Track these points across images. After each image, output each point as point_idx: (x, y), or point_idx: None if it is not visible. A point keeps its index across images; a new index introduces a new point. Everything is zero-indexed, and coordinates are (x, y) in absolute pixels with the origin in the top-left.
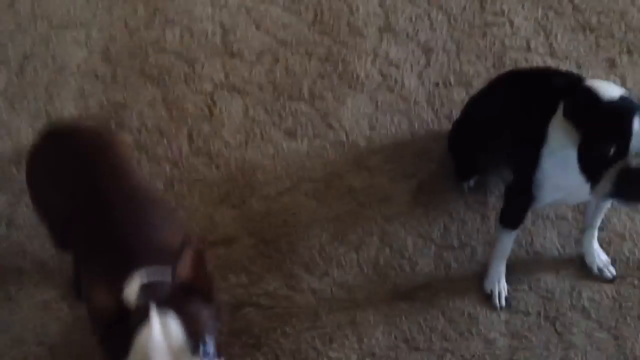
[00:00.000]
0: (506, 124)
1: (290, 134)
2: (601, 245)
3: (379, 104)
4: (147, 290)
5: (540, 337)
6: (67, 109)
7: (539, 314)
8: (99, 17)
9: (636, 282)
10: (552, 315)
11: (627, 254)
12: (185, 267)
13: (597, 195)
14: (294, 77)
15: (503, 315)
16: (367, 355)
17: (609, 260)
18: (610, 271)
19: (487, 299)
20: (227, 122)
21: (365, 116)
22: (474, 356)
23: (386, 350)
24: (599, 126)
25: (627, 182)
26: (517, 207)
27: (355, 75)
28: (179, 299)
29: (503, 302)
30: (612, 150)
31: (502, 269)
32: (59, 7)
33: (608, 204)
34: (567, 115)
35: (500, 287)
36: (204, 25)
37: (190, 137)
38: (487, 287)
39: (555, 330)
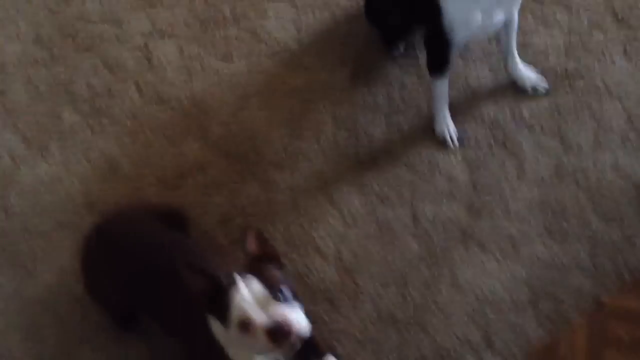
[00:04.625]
0: None
1: (227, 59)
2: (530, 66)
3: (299, 6)
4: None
5: (494, 160)
6: (21, 99)
7: (489, 142)
8: (21, 9)
9: (568, 88)
10: (501, 140)
11: (553, 66)
12: (251, 244)
13: None
14: (214, 6)
15: (459, 153)
16: (350, 222)
17: (540, 77)
18: (543, 86)
19: (442, 144)
20: (167, 66)
21: (290, 21)
22: (441, 194)
23: (366, 213)
24: None
25: None
26: (438, 54)
27: None
28: (254, 267)
29: (456, 142)
30: None
31: (447, 114)
32: None
33: (515, 26)
34: None
35: (450, 130)
36: None
37: (139, 89)
38: (439, 133)
39: (507, 151)
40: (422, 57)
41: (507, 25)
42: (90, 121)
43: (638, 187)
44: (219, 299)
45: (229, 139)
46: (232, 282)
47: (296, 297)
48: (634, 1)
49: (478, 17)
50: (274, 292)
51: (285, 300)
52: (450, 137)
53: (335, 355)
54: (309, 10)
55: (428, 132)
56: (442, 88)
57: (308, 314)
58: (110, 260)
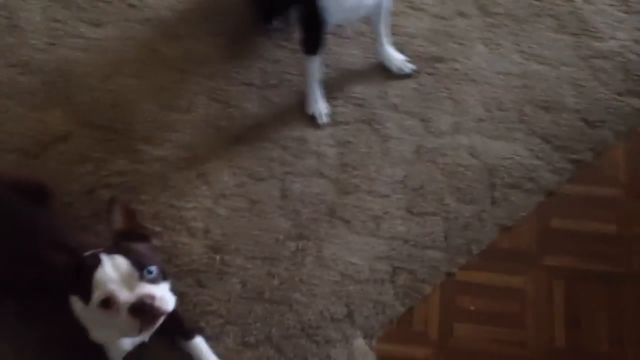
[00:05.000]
0: None
1: (97, 24)
2: (397, 48)
3: None
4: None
5: (361, 139)
6: None
7: (356, 120)
8: None
9: (431, 70)
10: (368, 118)
11: (419, 49)
12: (118, 217)
13: None
14: None
15: (328, 130)
16: (219, 197)
17: (406, 59)
18: (409, 67)
19: (312, 120)
20: (28, 27)
21: None
22: (310, 170)
23: (235, 188)
24: None
25: None
26: (312, 33)
27: None
28: (120, 242)
29: (325, 119)
30: None
31: (318, 91)
32: None
33: (386, 10)
34: None
35: (320, 107)
36: None
37: None
38: (309, 110)
39: (372, 129)
40: (296, 33)
41: (378, 7)
42: None
43: (489, 169)
44: (81, 276)
45: (95, 107)
46: (96, 259)
47: (163, 274)
48: None
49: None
50: (140, 269)
51: (151, 277)
52: (320, 114)
53: (202, 333)
54: None
55: (300, 107)
56: (315, 66)
57: (174, 291)
58: None
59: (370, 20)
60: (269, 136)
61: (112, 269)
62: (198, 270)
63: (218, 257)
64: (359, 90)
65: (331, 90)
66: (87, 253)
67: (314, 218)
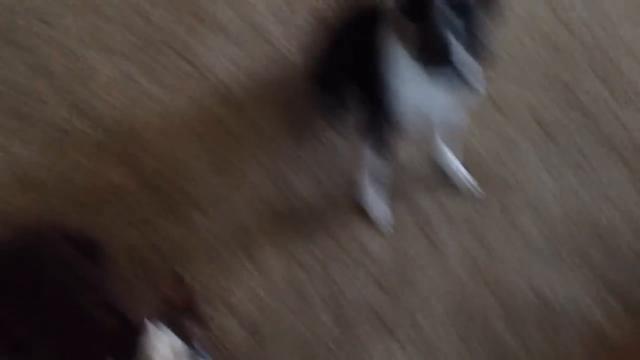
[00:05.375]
0: (349, 54)
1: (166, 88)
2: (463, 163)
3: (244, 46)
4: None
5: (419, 251)
6: None
7: (415, 229)
8: None
9: (493, 192)
10: (427, 230)
11: (482, 167)
12: (170, 288)
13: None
14: (162, 30)
15: (384, 234)
16: (267, 284)
17: (470, 176)
18: (473, 185)
19: (367, 216)
20: (100, 81)
21: (234, 61)
22: (363, 273)
23: (284, 277)
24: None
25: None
26: (378, 132)
27: (215, 19)
28: (169, 313)
29: (383, 221)
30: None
31: (372, 189)
32: None
33: (458, 124)
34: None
35: (378, 208)
36: None
37: (68, 100)
38: (363, 205)
39: (431, 242)
40: (358, 125)
41: (450, 122)
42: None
43: (546, 305)
44: (127, 343)
45: (159, 171)
46: (143, 328)
47: (206, 353)
48: (560, 116)
49: (429, 110)
50: (186, 345)
51: (195, 356)
52: (379, 218)
53: None
54: (254, 51)
55: (356, 202)
56: (373, 162)
57: None
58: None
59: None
60: (323, 229)
61: (164, 344)
62: (238, 354)
63: (259, 346)
64: (419, 197)
65: (391, 192)
66: (137, 319)
67: (359, 323)
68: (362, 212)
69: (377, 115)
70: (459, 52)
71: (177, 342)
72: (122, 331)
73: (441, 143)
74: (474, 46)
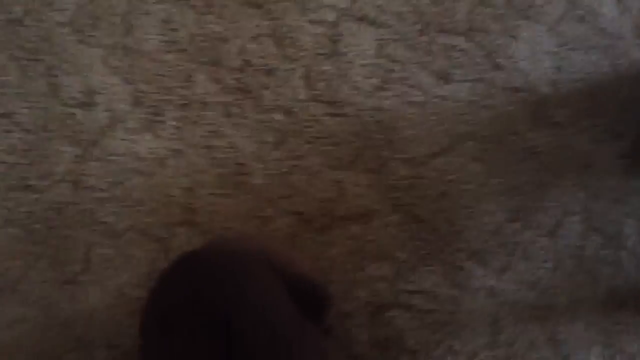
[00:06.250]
0: None
1: (443, 77)
2: None
3: (565, 37)
4: None
5: None
6: (150, 42)
7: None
8: None
9: None
10: None
11: None
12: None
13: None
14: (444, 3)
15: None
16: None
17: None
18: None
19: None
20: (356, 61)
21: (546, 54)
22: None
23: None
24: None
25: None
26: None
27: (529, 1)
28: None
29: None
30: None
31: None
32: None
33: None
34: None
35: None
36: None
37: (307, 79)
38: None
39: None
40: None
41: None
42: (232, 101)
43: None
44: None
45: (415, 188)
46: None
47: None
48: None
49: None
50: None
51: None
52: None
53: None
54: (578, 47)
55: None
56: None
57: None
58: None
59: None
60: None
61: None
62: None
63: None
64: None
65: None
66: None
67: None
68: None
69: None
70: None
71: None
72: None
73: None
74: None
